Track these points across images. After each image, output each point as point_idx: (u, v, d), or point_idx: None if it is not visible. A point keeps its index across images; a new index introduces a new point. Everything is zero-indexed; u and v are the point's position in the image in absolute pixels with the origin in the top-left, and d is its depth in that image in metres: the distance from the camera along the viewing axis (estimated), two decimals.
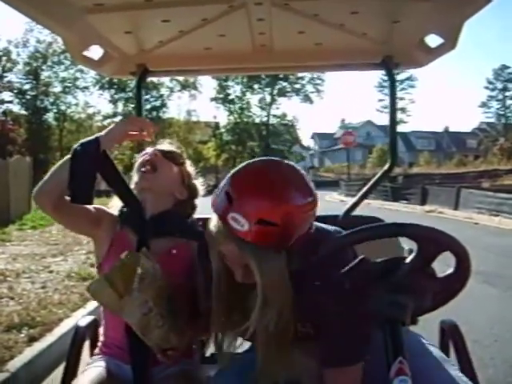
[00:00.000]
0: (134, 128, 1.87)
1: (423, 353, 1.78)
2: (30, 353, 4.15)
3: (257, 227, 1.35)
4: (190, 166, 2.09)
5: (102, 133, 1.79)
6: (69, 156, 1.76)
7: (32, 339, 4.41)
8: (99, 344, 2.03)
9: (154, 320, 1.74)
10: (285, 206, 1.36)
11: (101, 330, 2.04)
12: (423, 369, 1.58)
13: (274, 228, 1.35)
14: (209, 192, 2.09)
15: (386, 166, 2.62)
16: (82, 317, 2.11)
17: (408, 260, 1.25)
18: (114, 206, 2.02)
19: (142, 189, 1.93)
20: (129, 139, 1.91)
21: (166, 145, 2.05)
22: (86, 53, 2.21)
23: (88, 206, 1.92)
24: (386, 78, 2.60)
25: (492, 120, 72.01)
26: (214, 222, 1.46)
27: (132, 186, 1.95)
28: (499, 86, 70.07)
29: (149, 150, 2.00)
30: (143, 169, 1.93)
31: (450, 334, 2.12)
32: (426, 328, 2.20)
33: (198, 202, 2.11)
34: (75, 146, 1.76)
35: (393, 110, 2.62)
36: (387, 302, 1.25)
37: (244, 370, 1.62)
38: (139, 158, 1.98)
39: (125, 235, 1.95)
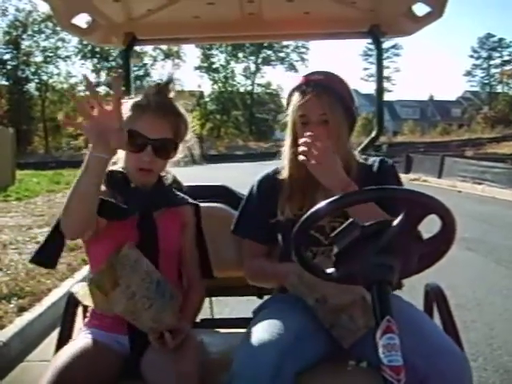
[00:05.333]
0: (85, 113, 1.58)
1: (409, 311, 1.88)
2: (20, 322, 4.20)
3: None
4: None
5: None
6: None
7: (22, 309, 4.46)
8: (88, 315, 2.03)
9: (139, 303, 1.75)
10: None
11: None
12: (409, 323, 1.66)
13: None
14: (194, 162, 2.12)
15: (373, 134, 2.64)
16: (75, 283, 2.14)
17: (395, 223, 1.29)
18: None
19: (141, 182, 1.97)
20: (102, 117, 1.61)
21: (159, 131, 1.93)
22: (73, 20, 2.20)
23: None
24: (372, 46, 2.61)
25: (476, 89, 72.28)
26: None
27: (117, 163, 1.99)
28: (484, 54, 70.13)
29: (145, 155, 1.91)
30: (141, 172, 1.94)
31: (434, 297, 2.16)
32: (412, 293, 2.25)
33: (184, 171, 2.14)
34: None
35: (379, 78, 2.64)
36: (375, 263, 1.28)
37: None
38: (135, 160, 1.92)
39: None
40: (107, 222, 1.90)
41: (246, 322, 2.02)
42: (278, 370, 1.64)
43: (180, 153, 2.04)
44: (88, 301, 1.84)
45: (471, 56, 71.05)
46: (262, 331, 1.77)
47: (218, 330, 2.42)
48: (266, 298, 2.29)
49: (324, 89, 1.95)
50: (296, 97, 1.99)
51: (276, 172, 2.13)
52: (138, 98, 1.97)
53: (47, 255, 1.90)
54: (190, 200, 2.13)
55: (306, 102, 1.95)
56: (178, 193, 2.12)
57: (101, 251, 1.86)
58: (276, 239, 2.11)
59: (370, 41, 2.61)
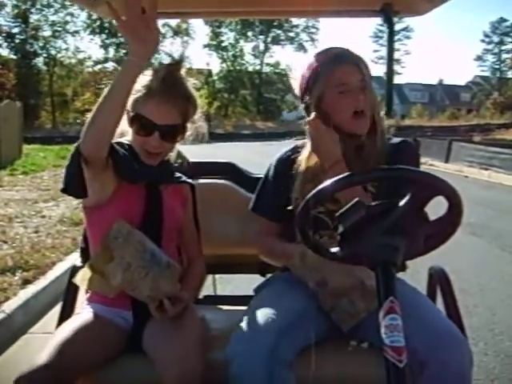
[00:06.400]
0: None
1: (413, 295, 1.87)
2: (24, 295, 4.24)
3: None
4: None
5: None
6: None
7: (26, 282, 4.49)
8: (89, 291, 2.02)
9: (136, 273, 1.76)
10: None
11: None
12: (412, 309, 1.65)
13: None
14: (200, 140, 2.11)
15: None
16: (79, 257, 2.14)
17: (402, 203, 1.28)
18: None
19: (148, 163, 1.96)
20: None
21: (166, 117, 1.91)
22: None
23: None
24: (382, 28, 2.58)
25: (487, 74, 71.62)
26: None
27: (125, 135, 1.99)
28: (495, 39, 69.43)
29: (152, 140, 1.90)
30: (148, 155, 1.93)
31: (438, 280, 2.15)
32: (415, 277, 2.25)
33: (190, 148, 2.13)
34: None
35: (390, 58, 2.60)
36: (380, 244, 1.27)
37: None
38: (143, 142, 1.92)
39: None
40: (116, 186, 1.90)
41: (249, 300, 2.03)
42: (274, 352, 1.64)
43: (187, 131, 2.02)
44: (86, 285, 1.84)
45: (482, 40, 70.41)
46: (260, 313, 1.77)
47: (220, 306, 2.42)
48: (268, 276, 2.29)
49: (356, 57, 2.00)
50: (332, 67, 1.96)
51: (295, 151, 2.10)
52: (147, 78, 1.94)
53: (76, 188, 1.81)
54: (188, 180, 2.14)
55: (347, 69, 1.96)
56: (177, 172, 2.12)
57: (106, 222, 1.84)
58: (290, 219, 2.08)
59: (380, 22, 2.56)
